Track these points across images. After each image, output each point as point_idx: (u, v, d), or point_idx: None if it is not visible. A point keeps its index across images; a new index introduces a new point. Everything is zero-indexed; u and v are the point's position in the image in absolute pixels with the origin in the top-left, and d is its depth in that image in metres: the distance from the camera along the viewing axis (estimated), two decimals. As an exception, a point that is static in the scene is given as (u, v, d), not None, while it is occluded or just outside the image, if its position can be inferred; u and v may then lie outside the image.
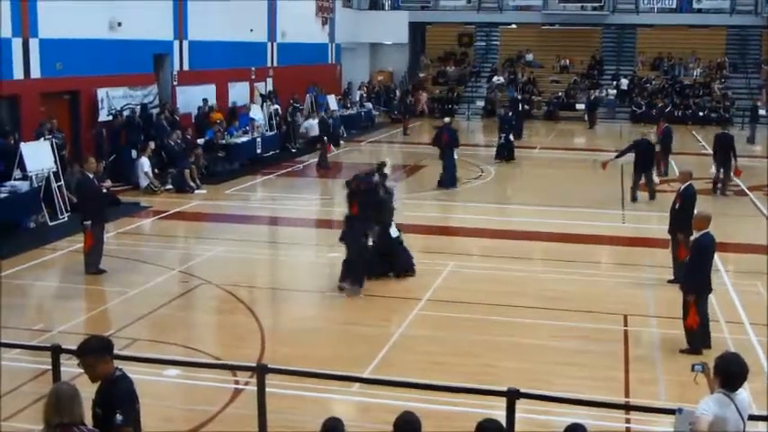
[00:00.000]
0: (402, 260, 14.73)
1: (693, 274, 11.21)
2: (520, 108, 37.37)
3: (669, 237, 14.27)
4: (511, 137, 28.70)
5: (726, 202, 21.42)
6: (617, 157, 22.82)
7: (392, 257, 14.64)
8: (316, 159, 27.73)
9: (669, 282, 13.97)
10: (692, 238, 11.72)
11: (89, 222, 14.36)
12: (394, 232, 14.66)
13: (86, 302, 13.03)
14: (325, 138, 27.61)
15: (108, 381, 5.84)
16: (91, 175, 14.82)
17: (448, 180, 23.30)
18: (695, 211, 12.25)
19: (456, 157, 23.51)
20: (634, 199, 21.46)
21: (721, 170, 22.81)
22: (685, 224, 13.52)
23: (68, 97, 22.71)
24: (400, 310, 12.84)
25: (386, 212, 14.56)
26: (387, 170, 15.24)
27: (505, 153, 28.37)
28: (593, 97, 41.83)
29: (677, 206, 14.03)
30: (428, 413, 7.05)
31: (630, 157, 21.88)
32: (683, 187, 14.19)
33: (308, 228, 19.36)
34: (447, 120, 25.17)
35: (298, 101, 33.97)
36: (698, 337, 11.13)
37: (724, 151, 22.84)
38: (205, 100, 27.98)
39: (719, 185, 22.72)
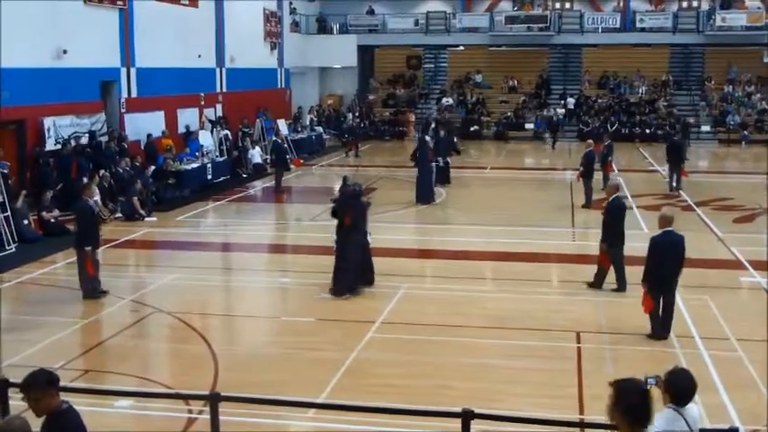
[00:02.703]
0: (371, 268, 15.25)
1: (646, 268, 12.03)
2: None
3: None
4: (449, 159, 28.11)
5: (674, 218, 21.70)
6: (581, 166, 23.80)
7: (364, 265, 15.10)
8: (266, 185, 27.73)
9: (612, 290, 14.71)
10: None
11: (90, 248, 14.55)
12: (369, 239, 15.26)
13: (36, 334, 12.78)
14: (288, 158, 27.90)
15: (54, 415, 5.73)
16: (90, 202, 15.12)
17: (426, 194, 24.18)
18: (660, 215, 12.77)
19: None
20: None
21: (674, 174, 26.18)
22: (609, 235, 14.60)
23: (14, 127, 22.42)
24: (354, 333, 12.79)
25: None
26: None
27: (443, 177, 27.18)
28: (555, 118, 41.77)
29: (605, 218, 14.89)
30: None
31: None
32: (609, 200, 15.02)
33: (260, 253, 19.27)
34: (428, 137, 26.50)
35: (248, 126, 33.93)
36: (655, 326, 12.13)
37: (676, 155, 26.07)
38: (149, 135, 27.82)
39: (674, 184, 26.03)
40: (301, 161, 32.74)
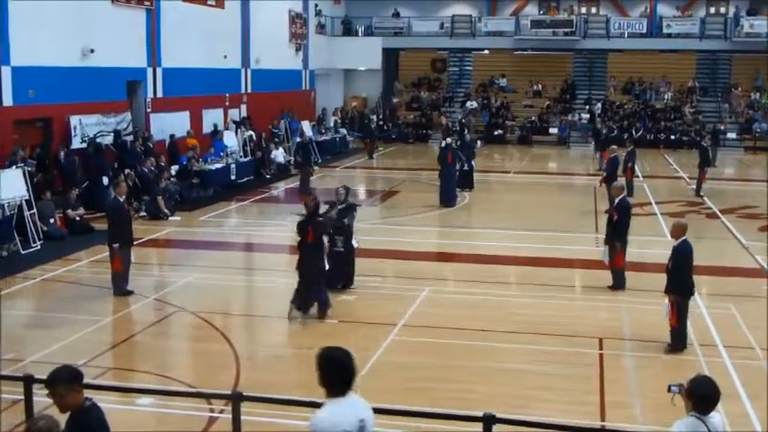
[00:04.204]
0: (351, 272, 15.28)
1: (676, 279, 11.88)
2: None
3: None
4: (473, 163, 27.55)
5: (698, 226, 21.59)
6: (605, 171, 23.96)
7: (346, 268, 15.11)
8: (289, 185, 27.81)
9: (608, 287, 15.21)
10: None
11: (117, 245, 14.65)
12: (355, 243, 15.24)
13: (59, 331, 12.88)
14: (312, 160, 28.06)
15: (78, 411, 5.77)
16: (121, 199, 15.19)
17: (449, 197, 24.19)
18: (676, 223, 12.61)
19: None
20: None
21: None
22: (619, 234, 14.92)
23: (41, 125, 22.60)
24: (376, 335, 12.80)
25: (350, 223, 15.13)
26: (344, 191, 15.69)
27: (466, 182, 26.79)
28: (612, 131, 36.89)
29: (614, 218, 15.07)
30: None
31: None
32: (617, 200, 15.27)
33: (283, 254, 19.29)
34: (449, 140, 26.11)
35: (278, 127, 34.09)
36: (681, 337, 12.03)
37: (700, 159, 26.99)
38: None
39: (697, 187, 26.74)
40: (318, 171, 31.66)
